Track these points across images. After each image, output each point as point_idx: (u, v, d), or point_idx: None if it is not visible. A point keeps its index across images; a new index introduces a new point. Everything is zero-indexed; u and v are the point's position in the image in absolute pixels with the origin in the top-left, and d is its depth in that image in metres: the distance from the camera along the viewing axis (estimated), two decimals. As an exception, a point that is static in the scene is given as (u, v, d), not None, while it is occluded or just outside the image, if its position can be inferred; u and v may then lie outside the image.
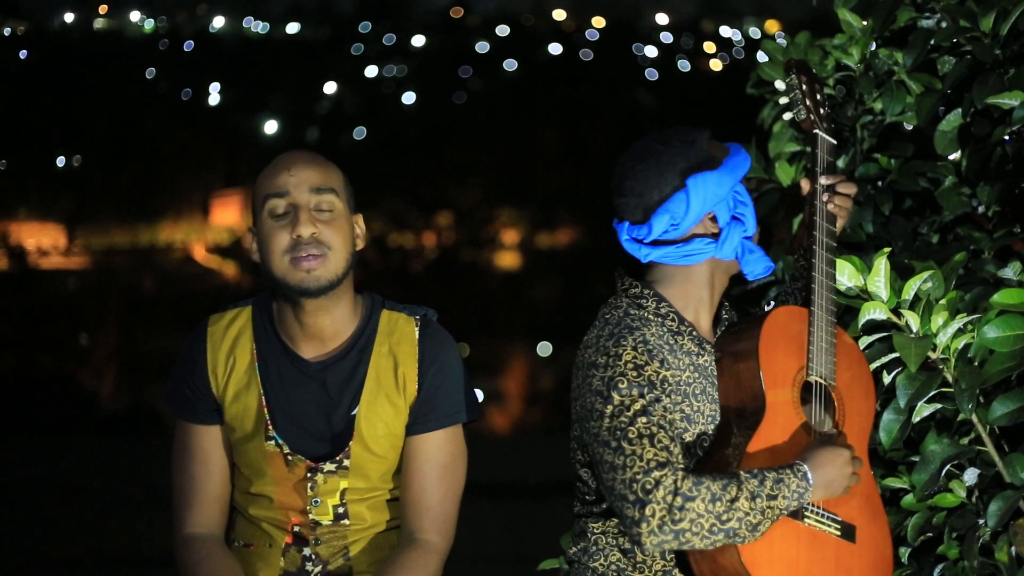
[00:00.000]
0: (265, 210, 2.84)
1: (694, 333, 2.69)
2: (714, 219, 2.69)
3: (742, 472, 2.52)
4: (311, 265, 2.80)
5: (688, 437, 2.63)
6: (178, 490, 2.94)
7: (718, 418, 2.66)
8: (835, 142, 2.87)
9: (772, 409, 2.62)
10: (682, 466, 2.53)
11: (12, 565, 10.29)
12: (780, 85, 3.74)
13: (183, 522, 2.92)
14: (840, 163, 3.50)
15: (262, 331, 2.92)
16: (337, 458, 2.87)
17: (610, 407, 2.55)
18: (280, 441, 2.87)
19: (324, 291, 2.82)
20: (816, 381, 2.69)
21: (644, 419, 2.53)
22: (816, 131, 2.84)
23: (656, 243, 2.68)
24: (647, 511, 2.46)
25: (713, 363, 2.69)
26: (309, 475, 2.87)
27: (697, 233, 2.69)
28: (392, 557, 2.86)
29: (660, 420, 2.54)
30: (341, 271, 2.83)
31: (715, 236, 2.69)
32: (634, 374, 2.56)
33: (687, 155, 2.67)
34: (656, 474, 2.48)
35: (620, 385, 2.56)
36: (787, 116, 2.88)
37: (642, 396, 2.55)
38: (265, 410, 2.88)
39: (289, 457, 2.87)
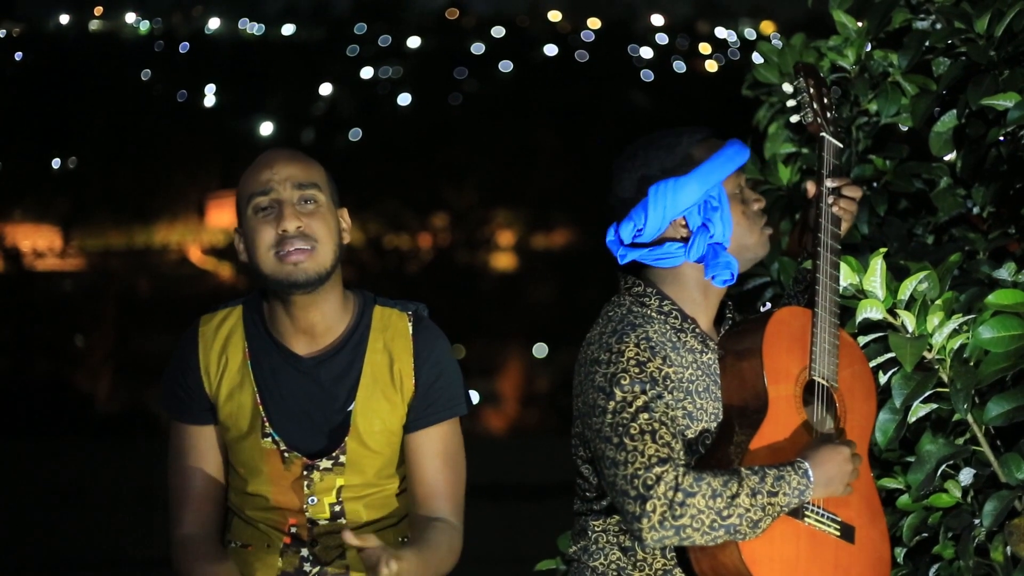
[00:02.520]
0: (249, 208, 2.84)
1: (697, 330, 2.70)
2: (685, 223, 2.70)
3: (743, 469, 2.52)
4: (299, 259, 2.79)
5: (690, 434, 2.63)
6: (174, 491, 2.94)
7: (721, 416, 2.67)
8: (841, 145, 2.88)
9: (774, 408, 2.62)
10: (683, 462, 2.54)
11: (7, 568, 10.28)
12: (788, 88, 3.77)
13: (179, 522, 2.92)
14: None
15: (253, 329, 2.92)
16: (333, 454, 2.87)
17: (612, 403, 2.56)
18: (277, 438, 2.87)
19: (313, 284, 2.81)
20: (818, 381, 2.70)
21: (646, 415, 2.54)
22: (823, 134, 2.85)
23: (631, 245, 2.71)
24: (648, 507, 2.47)
25: (716, 361, 2.70)
26: (305, 472, 2.87)
27: (668, 237, 2.70)
28: (417, 530, 2.84)
29: (662, 416, 2.55)
30: (329, 264, 2.83)
31: (686, 240, 2.70)
32: (636, 370, 2.57)
33: (662, 160, 2.68)
34: (657, 470, 2.49)
35: (622, 381, 2.57)
36: (794, 119, 2.93)
37: (644, 392, 2.56)
38: (260, 407, 2.88)
39: (286, 454, 2.87)
